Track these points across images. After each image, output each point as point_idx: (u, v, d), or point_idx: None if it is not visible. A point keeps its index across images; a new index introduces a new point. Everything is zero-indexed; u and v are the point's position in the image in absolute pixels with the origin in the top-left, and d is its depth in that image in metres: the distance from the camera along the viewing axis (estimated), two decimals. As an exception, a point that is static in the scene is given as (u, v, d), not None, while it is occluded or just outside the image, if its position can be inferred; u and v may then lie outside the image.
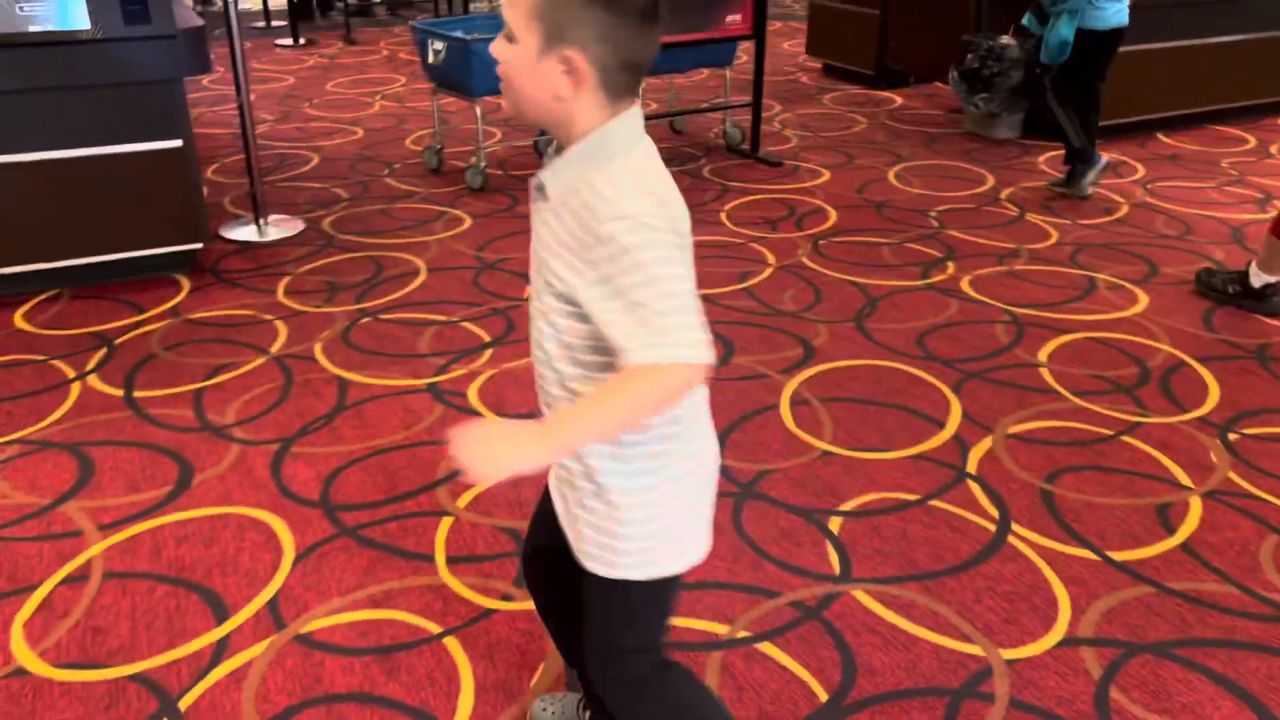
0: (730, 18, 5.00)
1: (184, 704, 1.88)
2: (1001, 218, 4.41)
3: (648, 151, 1.26)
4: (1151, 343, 3.26)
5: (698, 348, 1.14)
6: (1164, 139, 5.66)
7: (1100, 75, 4.69)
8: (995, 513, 2.42)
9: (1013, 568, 2.23)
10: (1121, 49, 5.11)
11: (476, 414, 2.84)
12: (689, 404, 1.35)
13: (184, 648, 2.01)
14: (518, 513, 2.41)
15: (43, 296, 3.60)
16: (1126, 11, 4.50)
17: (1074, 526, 2.37)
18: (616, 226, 1.15)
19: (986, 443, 2.71)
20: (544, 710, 1.83)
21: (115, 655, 2.00)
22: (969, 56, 5.20)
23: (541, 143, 5.35)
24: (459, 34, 4.57)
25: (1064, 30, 4.56)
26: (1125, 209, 4.52)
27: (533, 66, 1.18)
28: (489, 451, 1.17)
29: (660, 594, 1.43)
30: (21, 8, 3.14)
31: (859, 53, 6.85)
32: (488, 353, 3.19)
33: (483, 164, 4.81)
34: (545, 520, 1.49)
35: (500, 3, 1.21)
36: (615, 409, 1.17)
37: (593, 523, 1.36)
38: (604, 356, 1.26)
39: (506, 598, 2.14)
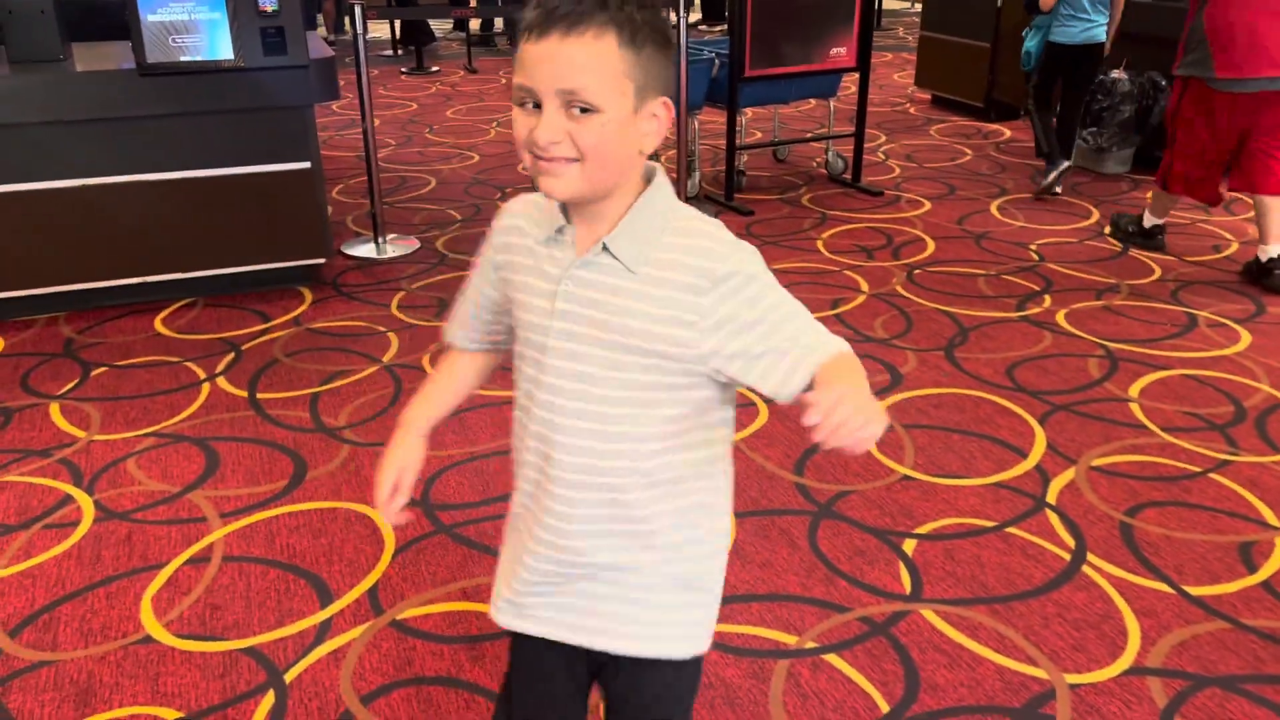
0: (835, 50, 5.09)
1: (288, 677, 2.05)
2: (1104, 252, 4.37)
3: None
4: (1250, 382, 3.21)
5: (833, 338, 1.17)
6: (1284, 176, 5.50)
7: (1072, 85, 5.11)
8: (1071, 543, 2.44)
9: (1084, 596, 2.26)
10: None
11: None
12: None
13: (291, 627, 2.20)
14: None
15: (180, 304, 3.91)
16: (1098, 30, 4.88)
17: (1151, 559, 2.37)
18: (746, 269, 1.14)
19: (1069, 474, 2.72)
20: None
21: (230, 630, 2.19)
22: (1078, 90, 5.18)
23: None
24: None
25: (1029, 43, 5.17)
26: (1235, 246, 4.43)
27: (627, 127, 1.10)
28: (870, 412, 1.03)
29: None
30: (175, 39, 3.45)
31: (968, 85, 6.84)
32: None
33: (589, 189, 4.99)
34: (551, 682, 1.38)
35: (547, 83, 1.08)
36: (860, 371, 1.13)
37: (665, 599, 1.28)
38: (706, 433, 1.23)
39: (587, 598, 2.27)
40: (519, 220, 1.26)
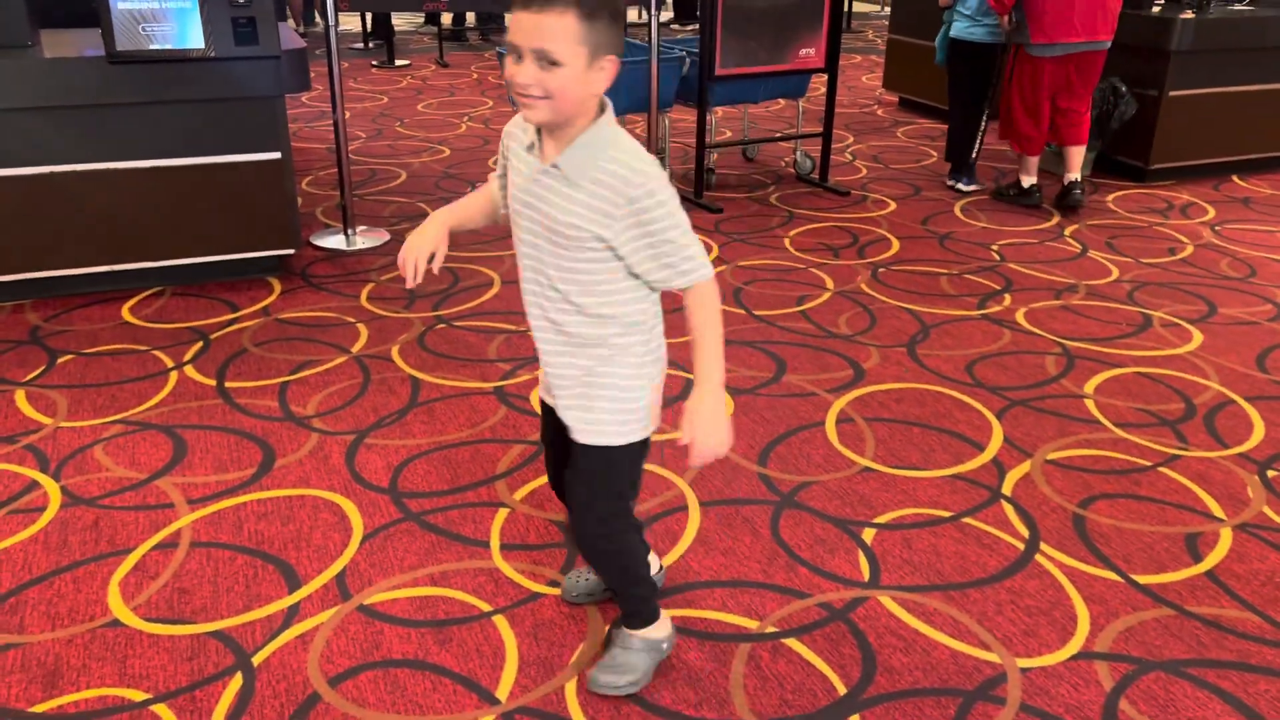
0: (804, 51, 5.16)
1: (256, 660, 2.08)
2: (1063, 253, 4.47)
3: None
4: (1201, 380, 3.31)
5: (707, 266, 1.67)
6: (1239, 181, 5.64)
7: (960, 82, 5.31)
8: (1025, 533, 2.51)
9: (1036, 584, 2.33)
10: (1201, 90, 5.23)
11: (535, 416, 3.01)
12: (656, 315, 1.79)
13: (259, 611, 2.22)
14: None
15: (148, 292, 3.90)
16: (979, 30, 5.07)
17: (1101, 549, 2.45)
18: (647, 186, 1.58)
19: (1024, 467, 2.80)
20: (575, 580, 2.24)
21: (198, 614, 2.21)
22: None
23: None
24: (542, 60, 4.79)
25: (939, 36, 5.42)
26: (1190, 249, 4.54)
27: (582, 77, 1.53)
28: (718, 432, 1.69)
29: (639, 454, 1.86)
30: (145, 27, 3.44)
31: (935, 88, 6.93)
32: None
33: (559, 184, 5.02)
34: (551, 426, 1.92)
35: (525, 42, 1.51)
36: (718, 328, 1.69)
37: (608, 404, 1.78)
38: (623, 294, 1.70)
39: (553, 584, 2.31)
40: (514, 130, 1.77)
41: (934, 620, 2.21)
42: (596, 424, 1.79)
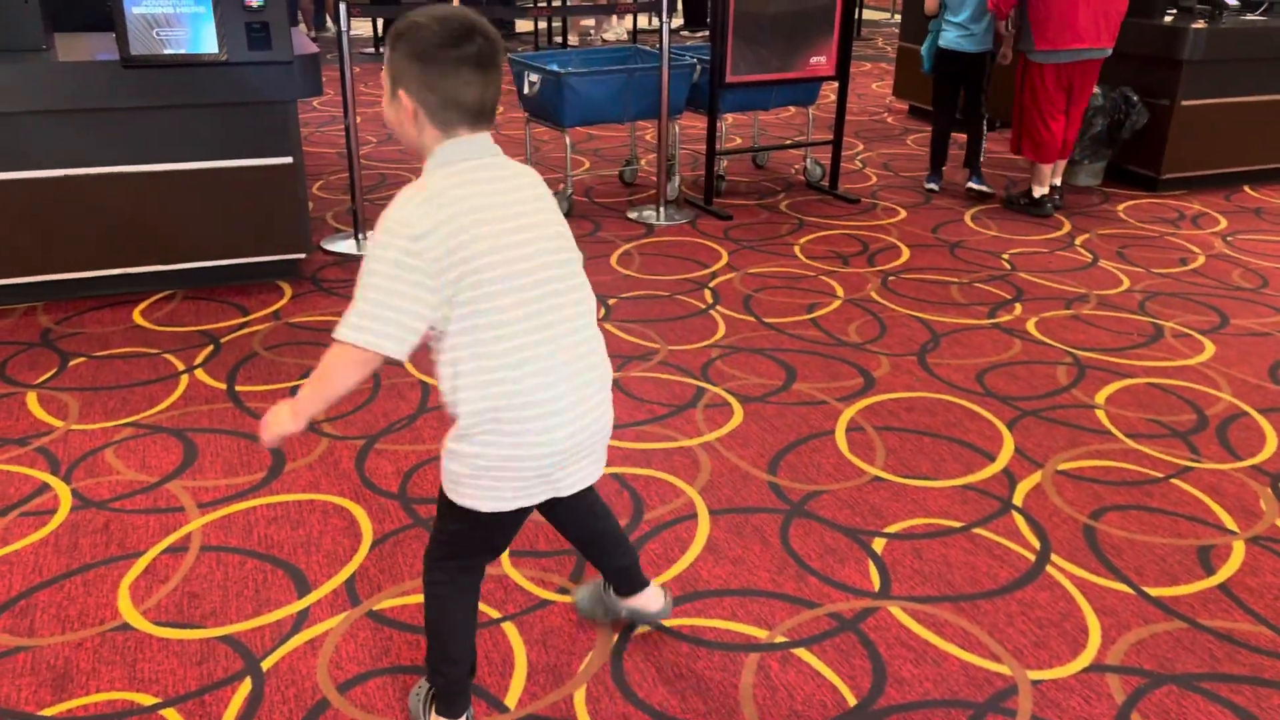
0: (814, 59, 5.16)
1: (265, 664, 2.08)
2: (1074, 263, 4.46)
3: (462, 170, 1.59)
4: (1213, 391, 3.29)
5: (359, 332, 1.54)
6: (1250, 192, 5.63)
7: (946, 91, 5.35)
8: (1036, 544, 2.50)
9: (1047, 595, 2.32)
10: (1214, 100, 5.24)
11: (547, 423, 3.01)
12: (505, 412, 1.64)
13: (268, 616, 2.22)
14: (578, 515, 2.58)
15: (159, 295, 3.91)
16: (967, 41, 5.12)
17: (1113, 561, 2.44)
18: (375, 233, 1.56)
19: (1035, 477, 2.79)
20: (581, 598, 2.23)
21: (208, 618, 2.21)
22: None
23: (627, 172, 5.56)
24: (553, 68, 4.81)
25: (925, 46, 5.40)
26: (1201, 259, 4.52)
27: (389, 105, 1.61)
28: (271, 422, 1.68)
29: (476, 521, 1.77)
30: (159, 32, 3.46)
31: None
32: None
33: (569, 191, 5.03)
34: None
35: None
36: (320, 376, 1.63)
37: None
38: (444, 341, 1.63)
39: (562, 591, 2.30)
40: None
41: (944, 631, 2.20)
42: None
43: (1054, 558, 2.45)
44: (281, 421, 1.67)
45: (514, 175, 1.66)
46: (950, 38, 5.17)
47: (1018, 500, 2.68)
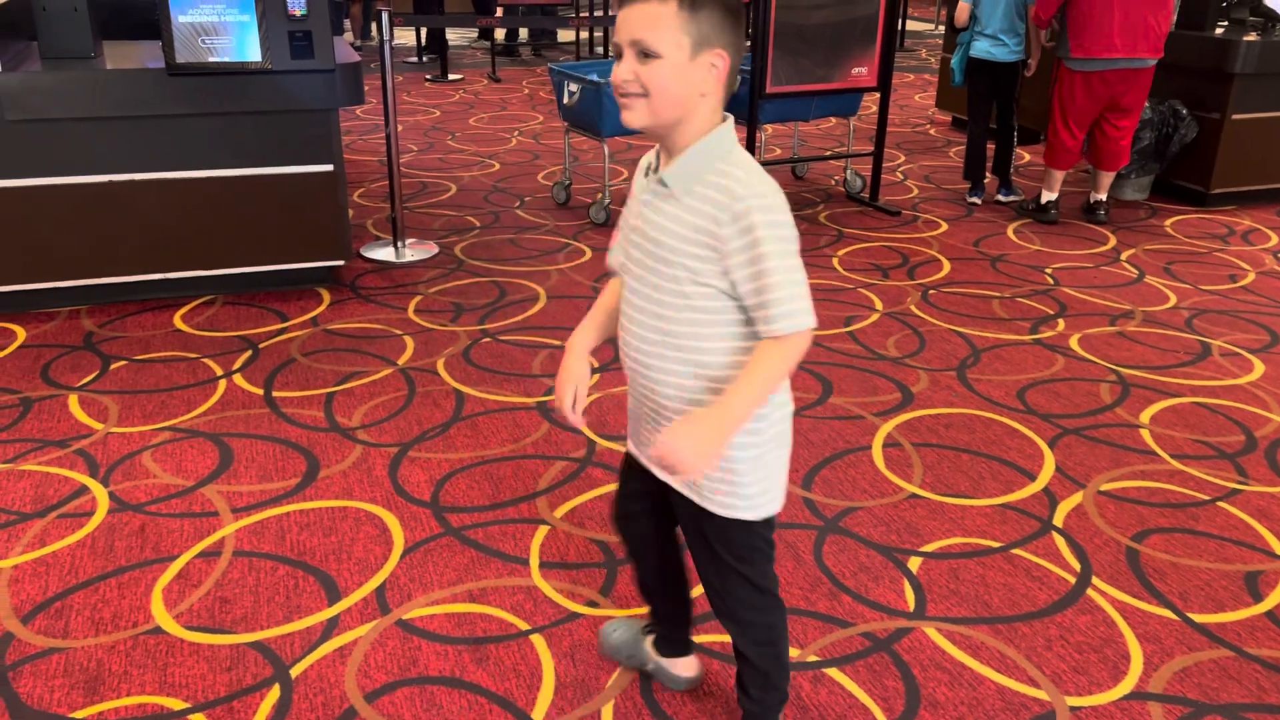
0: (856, 70, 5.12)
1: (294, 671, 2.08)
2: (1119, 278, 4.38)
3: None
4: (1262, 412, 3.21)
5: (812, 316, 1.44)
6: (1303, 207, 5.50)
7: (981, 101, 5.35)
8: (1077, 566, 2.45)
9: (1088, 620, 2.26)
10: (1265, 114, 5.14)
11: (578, 434, 3.00)
12: None
13: (298, 623, 2.22)
14: (608, 528, 2.56)
15: (200, 300, 3.96)
16: (999, 50, 5.12)
17: (1156, 585, 2.38)
18: (753, 203, 1.41)
19: (1076, 498, 2.73)
20: (613, 631, 2.09)
21: (239, 623, 2.21)
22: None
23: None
24: (593, 77, 4.81)
25: (955, 58, 5.40)
26: (1251, 276, 4.42)
27: (684, 71, 1.40)
28: (699, 448, 1.43)
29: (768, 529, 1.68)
30: (204, 40, 3.50)
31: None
32: (595, 378, 3.37)
33: (607, 200, 5.03)
34: (642, 482, 1.74)
35: (624, 36, 1.42)
36: (769, 376, 1.46)
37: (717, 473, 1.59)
38: (720, 342, 1.51)
39: (592, 604, 2.28)
40: (643, 161, 1.59)
41: (981, 654, 2.15)
42: (712, 489, 1.63)
43: (1095, 580, 2.39)
44: (712, 440, 1.44)
45: None
46: (982, 47, 5.17)
47: (1058, 521, 2.63)
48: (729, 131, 1.48)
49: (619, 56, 1.44)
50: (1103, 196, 5.12)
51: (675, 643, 2.01)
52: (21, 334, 3.63)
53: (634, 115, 1.44)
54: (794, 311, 1.42)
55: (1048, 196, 5.10)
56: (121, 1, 4.33)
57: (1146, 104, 5.30)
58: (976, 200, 5.47)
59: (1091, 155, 5.06)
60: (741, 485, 1.59)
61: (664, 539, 1.86)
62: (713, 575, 1.72)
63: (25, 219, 3.62)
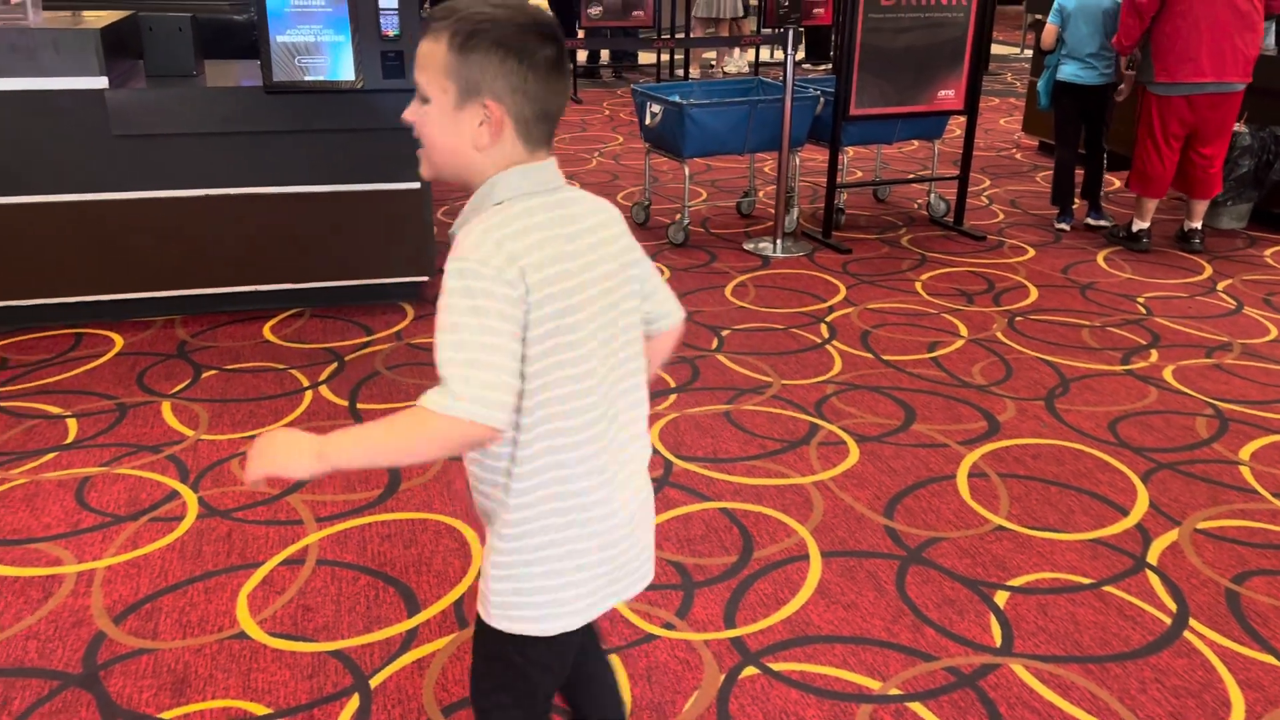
0: (943, 92, 5.05)
1: (374, 682, 2.09)
2: (1216, 309, 4.23)
3: (544, 203, 1.30)
4: (1372, 451, 3.07)
5: (472, 404, 1.18)
6: None
7: (1069, 125, 5.26)
8: (1173, 606, 2.35)
9: (1185, 663, 2.17)
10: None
11: (656, 454, 2.99)
12: (567, 484, 1.35)
13: (379, 633, 2.24)
14: (686, 549, 2.54)
15: (289, 313, 4.05)
16: (1087, 73, 5.03)
17: (1259, 630, 2.27)
18: (451, 266, 1.23)
19: (1171, 535, 2.63)
20: None
21: (320, 632, 2.24)
22: (1194, 142, 5.03)
23: (745, 204, 5.53)
24: (675, 99, 4.83)
25: (1041, 81, 5.32)
26: (1359, 310, 4.24)
27: (450, 121, 1.26)
28: (266, 453, 1.28)
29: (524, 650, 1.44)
30: (300, 60, 3.59)
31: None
32: (672, 398, 3.35)
33: (686, 221, 5.03)
34: None
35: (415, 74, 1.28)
36: (387, 443, 1.26)
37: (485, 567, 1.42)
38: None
39: (668, 626, 2.26)
40: None
41: (1070, 694, 2.08)
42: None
43: (1192, 622, 2.30)
44: (281, 452, 1.29)
45: (591, 212, 1.37)
46: (1069, 70, 5.09)
47: (1152, 558, 2.53)
48: (502, 182, 1.28)
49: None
50: (1197, 225, 4.97)
51: None
52: (119, 341, 3.75)
53: (421, 165, 1.33)
54: (441, 387, 1.20)
55: (1139, 225, 4.98)
56: (223, 23, 4.47)
57: (1245, 130, 5.13)
58: (1065, 226, 5.34)
59: (1182, 184, 4.92)
60: (490, 587, 1.40)
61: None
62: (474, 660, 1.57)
63: (126, 230, 3.75)
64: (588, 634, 1.59)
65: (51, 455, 2.96)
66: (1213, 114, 4.65)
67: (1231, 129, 4.76)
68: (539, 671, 1.49)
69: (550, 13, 1.32)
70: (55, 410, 3.22)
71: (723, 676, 2.11)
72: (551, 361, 1.28)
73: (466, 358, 1.20)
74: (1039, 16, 6.09)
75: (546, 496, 1.35)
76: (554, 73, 1.27)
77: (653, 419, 3.21)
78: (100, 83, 3.55)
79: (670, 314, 1.51)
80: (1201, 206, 4.94)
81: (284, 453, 1.27)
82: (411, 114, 1.30)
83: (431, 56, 1.25)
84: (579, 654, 1.59)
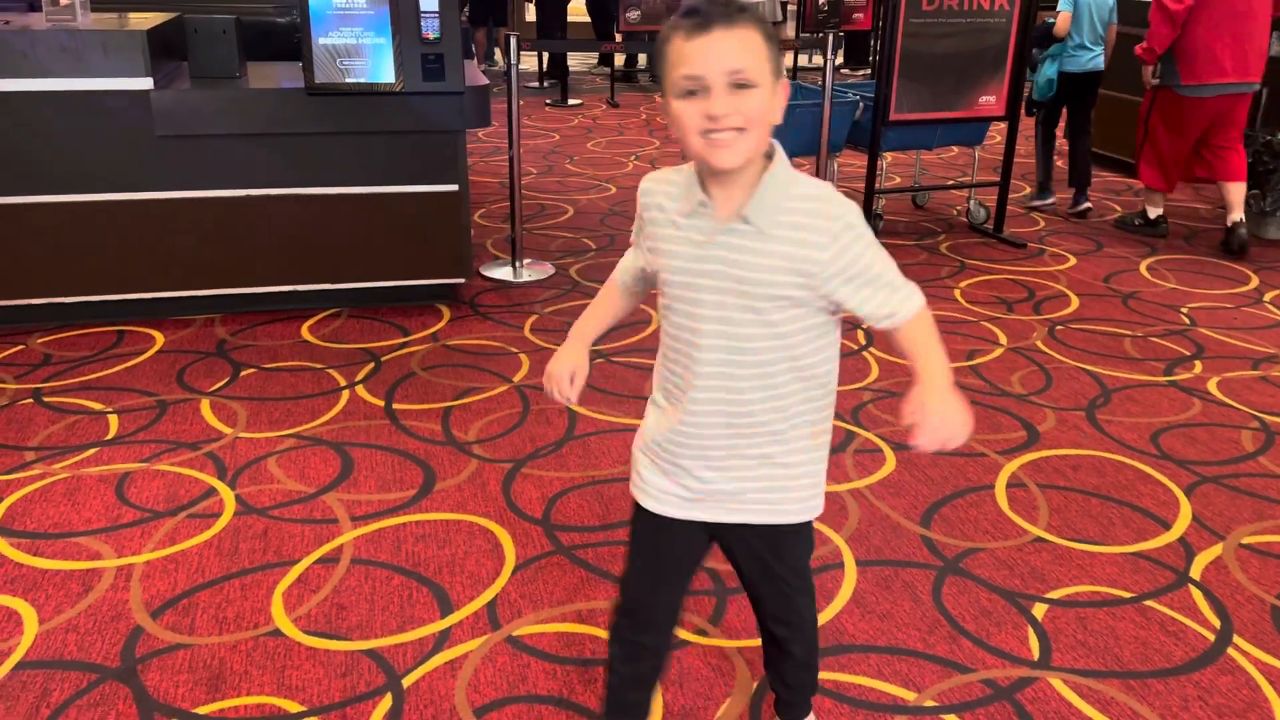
0: (984, 98, 5.00)
1: (406, 682, 2.10)
2: (1262, 320, 4.15)
3: None
4: None
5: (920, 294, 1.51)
6: None
7: (1078, 111, 5.62)
8: (1216, 622, 2.31)
9: (1229, 681, 2.12)
10: None
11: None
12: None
13: (411, 633, 2.24)
14: (719, 555, 2.52)
15: (326, 313, 4.08)
16: (1100, 60, 5.42)
17: (1306, 649, 2.22)
18: (844, 218, 1.41)
19: (1215, 550, 2.58)
20: None
21: (354, 630, 2.25)
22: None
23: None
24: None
25: (1048, 70, 5.50)
26: None
27: (770, 100, 1.37)
28: (956, 420, 1.45)
29: None
30: (342, 62, 3.62)
31: (1122, 140, 6.61)
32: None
33: (724, 225, 5.01)
34: (683, 540, 1.75)
35: (715, 68, 1.32)
36: (939, 343, 1.50)
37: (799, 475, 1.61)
38: (821, 353, 1.54)
39: (701, 632, 2.25)
40: (658, 198, 1.52)
41: (1110, 710, 2.04)
42: (799, 501, 1.62)
43: (1237, 639, 2.25)
44: (958, 403, 1.46)
45: None
46: (1083, 60, 5.36)
47: (1195, 573, 2.49)
48: (785, 158, 1.46)
49: (702, 90, 1.33)
50: (1239, 216, 4.95)
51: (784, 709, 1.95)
52: (160, 339, 3.80)
53: (733, 153, 1.36)
54: (913, 290, 1.49)
55: (1155, 211, 5.21)
56: (267, 25, 4.52)
57: (1295, 138, 5.06)
58: (1048, 202, 5.71)
59: (1208, 171, 5.02)
60: (819, 480, 1.64)
61: (679, 609, 1.82)
62: (780, 593, 1.74)
63: (168, 230, 3.79)
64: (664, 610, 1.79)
65: (93, 451, 3.00)
66: (1230, 111, 4.81)
67: (1244, 122, 4.91)
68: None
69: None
70: (97, 406, 3.27)
71: (755, 684, 2.10)
72: None
73: (897, 267, 1.48)
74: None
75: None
76: None
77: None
78: (146, 84, 3.60)
79: None
80: (1238, 192, 4.95)
81: (958, 416, 1.46)
82: (729, 105, 1.33)
83: (754, 41, 1.34)
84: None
